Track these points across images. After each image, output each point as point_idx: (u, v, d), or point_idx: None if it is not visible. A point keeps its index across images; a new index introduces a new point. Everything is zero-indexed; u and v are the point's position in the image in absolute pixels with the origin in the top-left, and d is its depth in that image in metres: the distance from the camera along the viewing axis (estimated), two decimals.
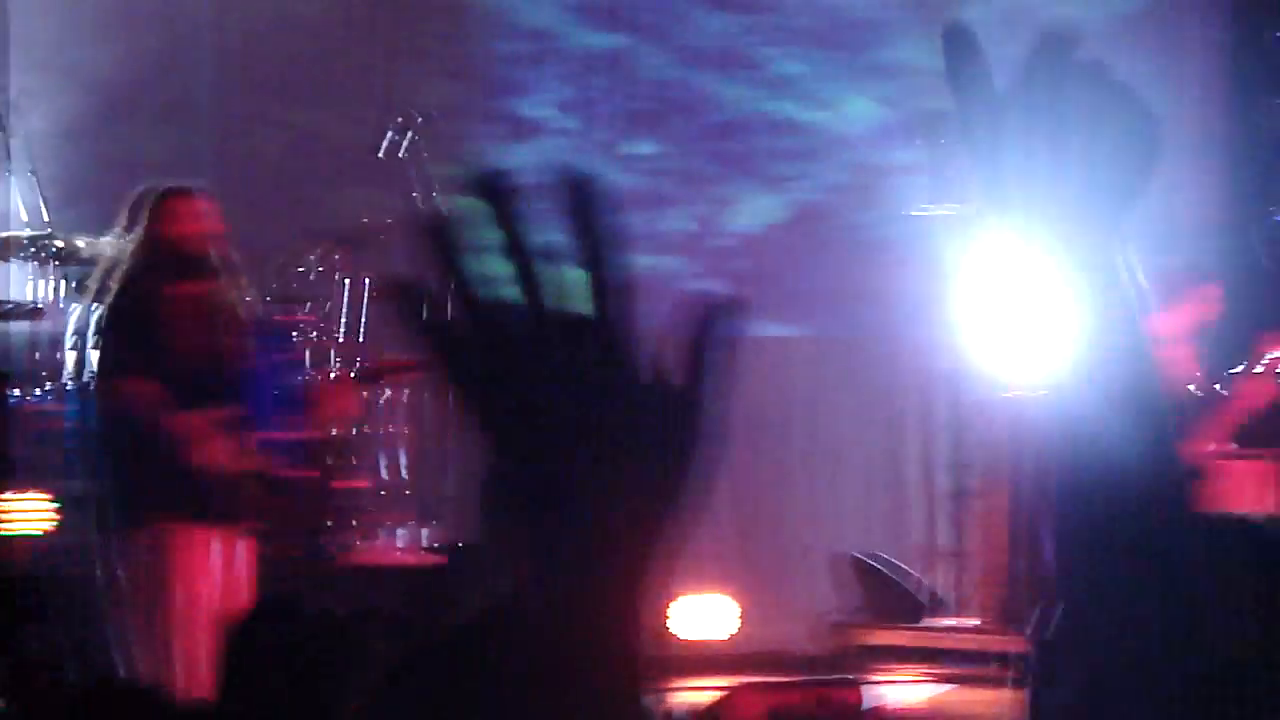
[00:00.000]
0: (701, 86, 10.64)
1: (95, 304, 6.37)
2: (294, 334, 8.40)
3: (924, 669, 9.73)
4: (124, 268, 6.39)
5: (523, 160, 10.01)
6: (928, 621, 10.23)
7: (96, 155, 10.18)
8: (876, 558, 10.52)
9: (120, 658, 6.11)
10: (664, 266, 10.31)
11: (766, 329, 10.96)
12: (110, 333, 6.28)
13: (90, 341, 6.46)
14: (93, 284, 6.49)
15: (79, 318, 8.24)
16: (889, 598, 10.35)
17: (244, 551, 6.44)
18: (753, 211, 10.70)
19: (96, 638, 6.16)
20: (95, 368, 6.36)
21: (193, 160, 10.27)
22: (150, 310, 6.25)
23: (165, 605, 6.14)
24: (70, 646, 6.54)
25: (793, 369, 11.04)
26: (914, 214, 9.75)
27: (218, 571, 6.31)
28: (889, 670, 9.69)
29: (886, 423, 11.12)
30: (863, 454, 11.06)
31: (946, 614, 10.31)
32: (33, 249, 8.14)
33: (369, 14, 10.34)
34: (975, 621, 9.89)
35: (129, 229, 6.38)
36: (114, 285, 6.39)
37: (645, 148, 10.54)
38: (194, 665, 6.08)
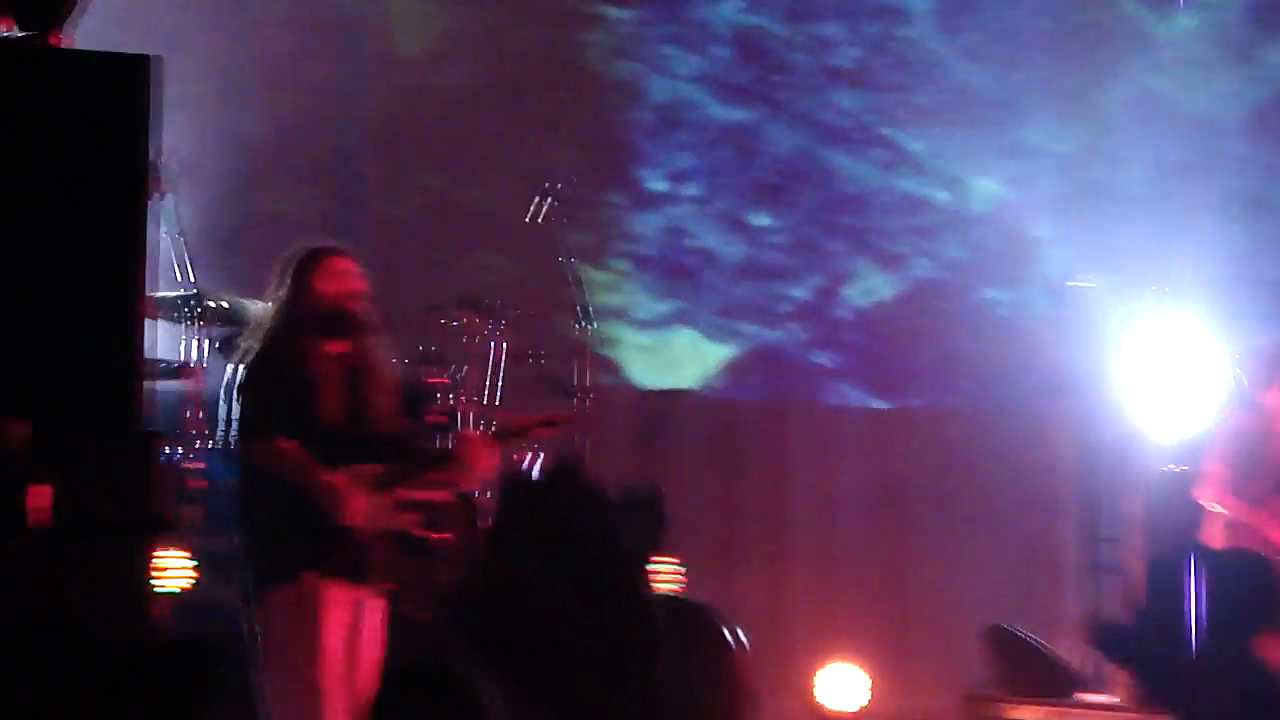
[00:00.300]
0: (825, 161, 10.72)
1: (241, 362, 6.41)
2: (433, 395, 8.44)
3: None
4: (268, 325, 6.43)
5: (644, 228, 10.08)
6: (1068, 697, 10.05)
7: (241, 217, 10.35)
8: (1016, 630, 10.36)
9: (269, 716, 6.13)
10: (777, 338, 10.30)
11: (886, 401, 10.89)
12: (254, 390, 6.31)
13: (232, 398, 6.49)
14: (243, 343, 6.54)
15: (228, 376, 8.35)
16: (1030, 671, 10.18)
17: (378, 612, 6.44)
18: (870, 286, 10.67)
19: (241, 697, 6.18)
20: (236, 424, 6.38)
21: (333, 221, 10.41)
22: (295, 368, 6.28)
23: (304, 664, 6.14)
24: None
25: (923, 440, 10.95)
26: (1070, 285, 9.69)
27: (355, 631, 6.31)
28: None
29: (1020, 494, 11.00)
30: (997, 525, 10.94)
31: (1086, 690, 10.12)
32: (181, 309, 8.24)
33: (503, 83, 10.42)
34: (1116, 699, 9.70)
35: (279, 288, 6.44)
36: (257, 343, 6.44)
37: (765, 219, 10.56)
38: None
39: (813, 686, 10.02)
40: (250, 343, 6.45)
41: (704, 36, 10.64)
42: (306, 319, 6.32)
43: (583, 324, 8.58)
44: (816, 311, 10.56)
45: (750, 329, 9.80)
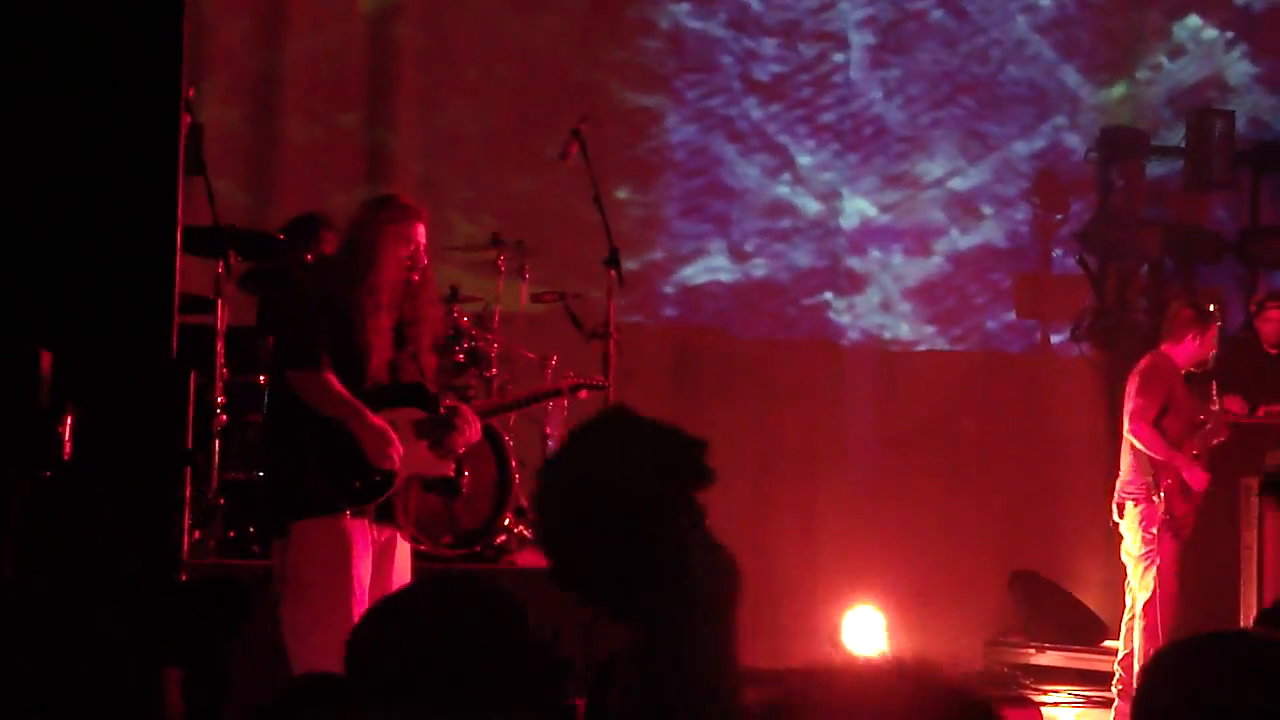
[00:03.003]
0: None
1: (274, 297, 6.33)
2: (459, 334, 8.40)
3: (1085, 691, 9.57)
4: (336, 263, 6.35)
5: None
6: (1092, 644, 10.07)
7: (262, 150, 10.35)
8: (1037, 577, 10.36)
9: (294, 649, 6.09)
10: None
11: (931, 343, 10.95)
12: (308, 322, 6.23)
13: (279, 329, 6.41)
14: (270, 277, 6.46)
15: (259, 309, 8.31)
16: (1054, 617, 10.18)
17: (404, 552, 6.41)
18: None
19: (265, 632, 6.13)
20: (282, 351, 6.34)
21: (358, 153, 10.44)
22: (354, 319, 6.18)
23: (335, 599, 6.11)
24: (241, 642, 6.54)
25: (944, 382, 10.95)
26: None
27: (382, 570, 6.28)
28: (1048, 691, 9.54)
29: (1041, 439, 11.00)
30: (1018, 470, 10.94)
31: (1107, 637, 10.13)
32: (207, 243, 8.17)
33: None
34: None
35: (358, 229, 6.32)
36: (320, 275, 6.34)
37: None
38: None
39: (838, 630, 10.05)
40: (311, 274, 6.32)
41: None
42: (374, 277, 6.21)
43: (610, 265, 8.53)
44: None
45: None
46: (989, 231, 11.36)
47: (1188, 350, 8.80)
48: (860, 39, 11.22)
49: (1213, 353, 8.90)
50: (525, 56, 10.75)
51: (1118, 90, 11.56)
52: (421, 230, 6.36)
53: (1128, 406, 8.74)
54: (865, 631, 10.10)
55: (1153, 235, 11.47)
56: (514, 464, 8.17)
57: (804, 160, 11.14)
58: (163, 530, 5.80)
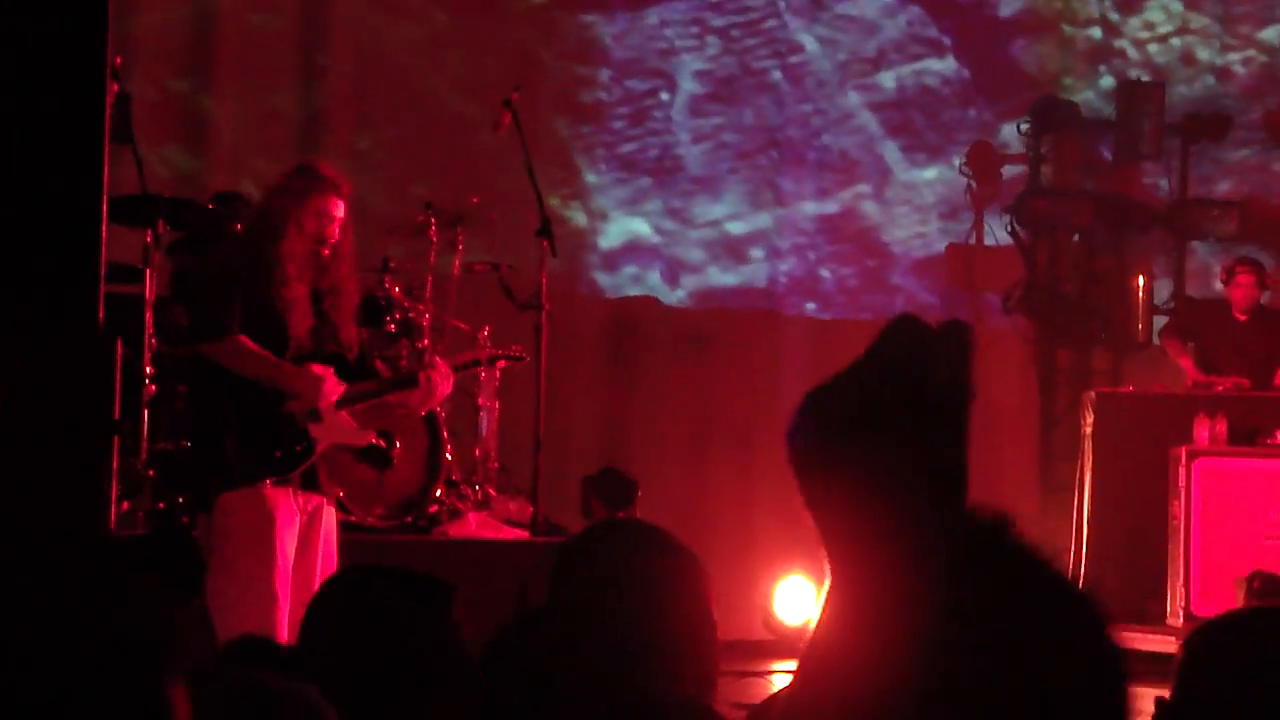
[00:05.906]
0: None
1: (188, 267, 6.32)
2: (391, 305, 8.37)
3: None
4: (248, 233, 6.36)
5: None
6: None
7: (191, 119, 10.28)
8: None
9: (219, 621, 6.08)
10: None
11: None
12: (222, 294, 6.21)
13: (192, 304, 6.40)
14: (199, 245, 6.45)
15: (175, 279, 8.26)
16: None
17: (331, 519, 6.41)
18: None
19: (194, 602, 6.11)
20: (198, 324, 6.31)
21: (288, 124, 10.38)
22: (267, 289, 6.17)
23: (258, 570, 6.11)
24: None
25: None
26: None
27: (308, 537, 6.28)
28: None
29: (974, 411, 11.05)
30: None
31: None
32: (136, 211, 8.10)
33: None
34: None
35: (273, 199, 6.30)
36: (233, 248, 6.34)
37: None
38: (284, 629, 6.06)
39: (770, 599, 10.07)
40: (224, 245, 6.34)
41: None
42: (284, 249, 6.19)
43: (542, 235, 8.50)
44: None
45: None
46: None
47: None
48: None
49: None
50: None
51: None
52: (338, 205, 6.30)
53: None
54: (796, 601, 10.13)
55: (1084, 206, 11.52)
56: (445, 434, 8.15)
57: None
58: (89, 501, 5.76)
